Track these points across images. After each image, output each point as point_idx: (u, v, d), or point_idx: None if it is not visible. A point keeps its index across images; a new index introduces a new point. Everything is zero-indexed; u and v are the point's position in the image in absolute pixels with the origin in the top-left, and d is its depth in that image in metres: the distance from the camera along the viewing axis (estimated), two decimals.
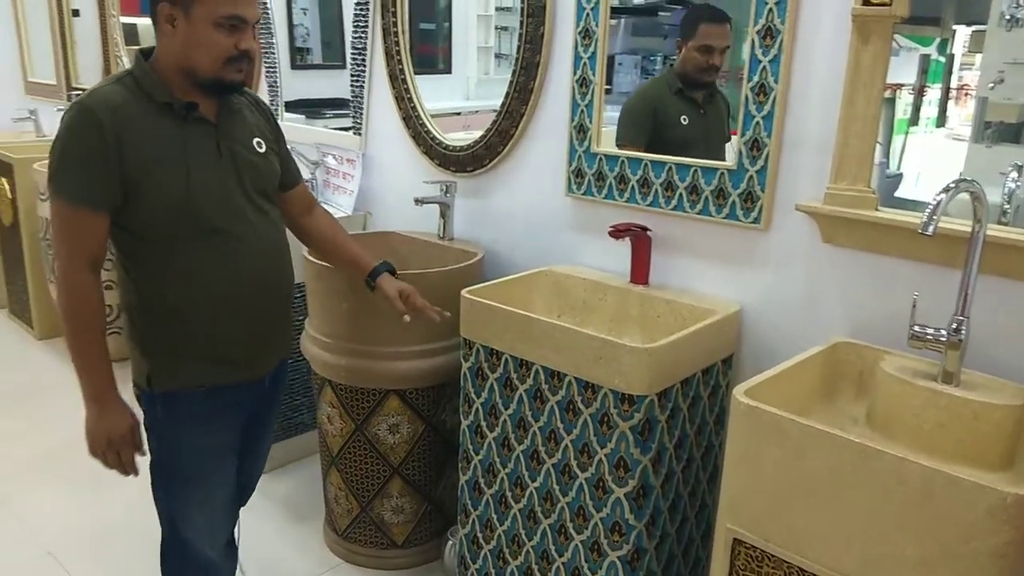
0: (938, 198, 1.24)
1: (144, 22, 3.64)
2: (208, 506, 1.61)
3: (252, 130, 1.57)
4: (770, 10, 1.60)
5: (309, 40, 3.18)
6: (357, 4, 2.56)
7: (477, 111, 2.24)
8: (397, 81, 2.48)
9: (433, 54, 2.70)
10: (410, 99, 2.45)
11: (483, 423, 1.82)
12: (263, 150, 1.57)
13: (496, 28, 2.52)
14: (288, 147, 1.75)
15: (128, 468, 1.52)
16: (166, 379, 1.51)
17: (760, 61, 1.63)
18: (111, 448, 1.48)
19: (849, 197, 1.53)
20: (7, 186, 3.77)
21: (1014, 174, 1.44)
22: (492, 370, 1.77)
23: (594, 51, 1.91)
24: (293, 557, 2.28)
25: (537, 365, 1.67)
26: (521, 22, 2.07)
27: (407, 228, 2.49)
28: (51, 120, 4.11)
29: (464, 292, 1.80)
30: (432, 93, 2.52)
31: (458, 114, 2.54)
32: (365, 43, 2.57)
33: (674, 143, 1.90)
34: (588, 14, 1.90)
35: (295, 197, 1.75)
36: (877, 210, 1.51)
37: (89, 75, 4.08)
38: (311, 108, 3.09)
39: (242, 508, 1.83)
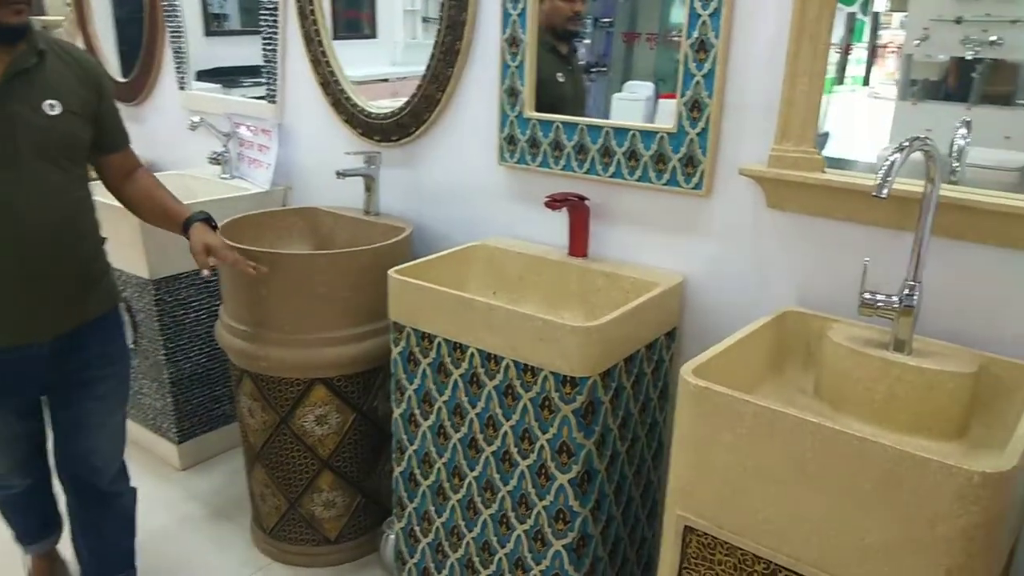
0: (892, 158, 1.16)
1: None
2: None
3: (46, 91, 1.49)
4: None
5: (226, 6, 2.97)
6: None
7: (405, 77, 2.10)
8: (313, 43, 2.30)
9: (357, 18, 2.54)
10: (327, 63, 2.27)
11: (417, 411, 1.70)
12: (55, 112, 1.49)
13: None
14: (116, 112, 1.67)
15: None
16: None
17: (699, 15, 1.53)
18: None
19: (794, 159, 1.45)
20: None
21: (963, 130, 1.38)
22: (424, 355, 1.64)
23: (524, 7, 1.78)
24: (218, 559, 2.13)
25: (472, 348, 1.55)
26: None
27: (330, 203, 2.32)
28: None
29: (391, 272, 1.66)
30: (358, 59, 2.36)
31: (386, 80, 2.38)
32: (277, 2, 2.38)
33: (555, 103, 1.82)
34: None
35: (113, 163, 1.70)
36: (823, 172, 1.44)
37: None
38: (228, 77, 2.88)
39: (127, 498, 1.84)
